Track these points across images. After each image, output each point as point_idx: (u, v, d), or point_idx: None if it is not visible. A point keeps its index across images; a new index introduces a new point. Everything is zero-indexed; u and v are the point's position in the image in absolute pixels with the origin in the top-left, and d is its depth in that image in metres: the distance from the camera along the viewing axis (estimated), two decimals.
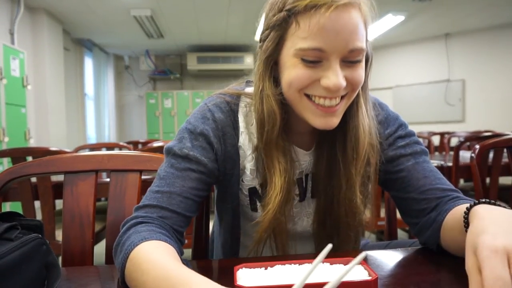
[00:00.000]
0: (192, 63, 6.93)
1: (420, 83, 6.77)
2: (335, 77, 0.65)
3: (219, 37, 6.25)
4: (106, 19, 5.34)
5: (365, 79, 0.73)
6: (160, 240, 0.60)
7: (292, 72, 0.68)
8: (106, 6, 4.81)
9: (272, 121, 0.73)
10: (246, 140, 0.78)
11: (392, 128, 0.82)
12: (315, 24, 0.63)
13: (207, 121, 0.76)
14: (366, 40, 0.71)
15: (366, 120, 0.75)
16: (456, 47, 6.44)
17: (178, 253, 0.61)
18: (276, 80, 0.73)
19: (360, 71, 0.69)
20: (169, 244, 0.61)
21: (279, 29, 0.68)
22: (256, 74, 0.75)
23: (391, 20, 5.57)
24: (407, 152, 0.80)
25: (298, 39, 0.65)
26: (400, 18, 5.48)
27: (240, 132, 0.78)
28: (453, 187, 0.78)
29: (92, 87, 6.75)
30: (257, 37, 0.77)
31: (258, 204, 0.80)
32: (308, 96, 0.69)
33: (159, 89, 7.92)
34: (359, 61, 0.68)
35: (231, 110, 0.78)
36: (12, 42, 4.25)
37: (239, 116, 0.79)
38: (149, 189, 0.72)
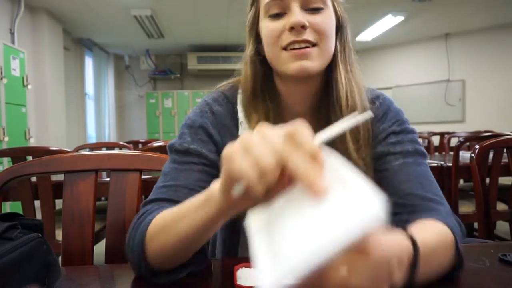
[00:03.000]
0: (193, 63, 6.93)
1: (420, 83, 6.77)
2: (294, 17, 0.71)
3: (219, 36, 6.24)
4: (106, 18, 5.34)
5: (343, 40, 0.77)
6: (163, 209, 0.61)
7: (265, 31, 0.75)
8: (106, 6, 4.81)
9: (245, 83, 0.79)
10: (246, 130, 0.78)
11: (388, 123, 0.78)
12: None
13: (205, 114, 0.78)
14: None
15: (347, 82, 0.75)
16: (456, 47, 6.44)
17: None
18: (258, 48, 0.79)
19: (323, 18, 0.73)
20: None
21: (254, 2, 0.78)
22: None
23: (391, 21, 5.57)
24: (396, 150, 0.74)
25: (263, 2, 0.74)
26: (400, 18, 5.48)
27: (240, 122, 0.79)
28: (435, 196, 0.68)
29: (92, 86, 6.75)
30: None
31: None
32: (285, 50, 0.73)
33: (159, 89, 7.92)
34: (320, 9, 0.73)
35: (229, 102, 0.81)
36: (12, 42, 4.25)
37: (238, 106, 0.80)
38: (154, 186, 0.72)
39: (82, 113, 6.33)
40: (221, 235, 0.88)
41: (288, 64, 0.72)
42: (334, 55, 0.76)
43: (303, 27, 0.71)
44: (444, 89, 6.55)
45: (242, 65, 0.81)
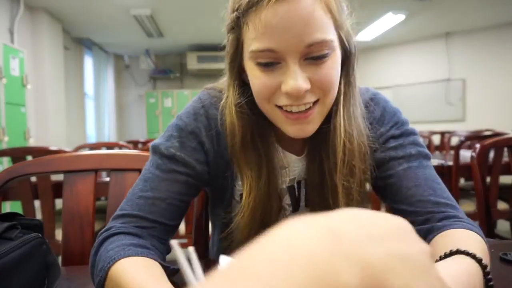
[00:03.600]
0: (192, 62, 6.92)
1: (420, 82, 6.77)
2: (292, 80, 0.57)
3: (219, 36, 6.20)
4: (106, 18, 5.34)
5: (349, 75, 0.66)
6: (129, 256, 0.55)
7: (253, 80, 0.62)
8: (106, 5, 4.81)
9: (232, 134, 0.67)
10: None
11: (386, 127, 0.71)
12: (260, 21, 0.55)
13: (199, 117, 0.70)
14: (338, 27, 0.60)
15: (346, 123, 0.65)
16: (457, 46, 6.44)
17: (156, 260, 0.56)
18: (248, 87, 0.66)
19: (329, 69, 0.59)
20: (142, 255, 0.56)
21: (234, 31, 0.62)
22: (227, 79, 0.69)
23: (392, 19, 5.57)
24: (398, 154, 0.68)
25: (250, 41, 0.59)
26: (401, 17, 5.47)
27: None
28: (448, 201, 0.64)
29: (92, 86, 6.74)
30: None
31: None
32: (279, 106, 0.61)
33: (159, 88, 7.91)
34: (325, 56, 0.58)
35: None
36: (12, 41, 4.25)
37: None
38: (131, 190, 0.66)
39: (82, 112, 6.32)
40: (215, 246, 0.86)
41: (285, 125, 0.63)
42: (337, 97, 0.65)
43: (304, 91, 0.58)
44: (445, 88, 6.55)
45: (225, 110, 0.68)
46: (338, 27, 0.60)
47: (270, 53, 0.57)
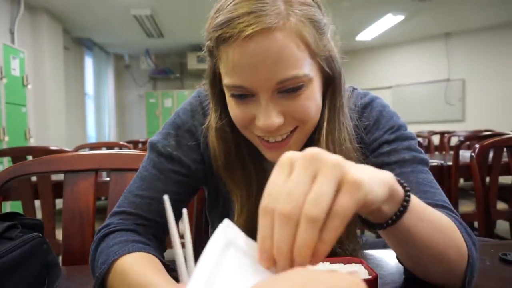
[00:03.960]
0: (193, 63, 6.93)
1: (420, 82, 6.77)
2: (264, 117, 0.56)
3: None
4: (106, 18, 5.34)
5: (335, 99, 0.63)
6: (134, 252, 0.56)
7: (230, 110, 0.62)
8: (106, 6, 4.81)
9: (214, 157, 0.67)
10: None
11: (380, 132, 0.68)
12: (229, 58, 0.54)
13: (197, 115, 0.71)
14: (316, 56, 0.58)
15: (331, 149, 0.62)
16: (456, 47, 6.44)
17: (156, 256, 0.57)
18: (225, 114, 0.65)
19: (304, 100, 0.57)
20: (144, 251, 0.57)
21: (212, 58, 0.61)
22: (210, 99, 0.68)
23: (391, 20, 5.57)
24: (391, 160, 0.65)
25: (223, 74, 0.58)
26: (400, 17, 5.48)
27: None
28: (439, 202, 0.60)
29: (92, 86, 6.75)
30: None
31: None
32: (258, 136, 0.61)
33: (159, 88, 7.92)
34: (299, 88, 0.56)
35: None
36: (12, 42, 4.25)
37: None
38: (128, 187, 0.67)
39: (82, 112, 6.33)
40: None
41: (264, 151, 0.62)
42: (320, 123, 0.63)
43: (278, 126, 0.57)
44: (444, 88, 6.55)
45: (208, 132, 0.67)
46: (315, 55, 0.58)
47: (241, 89, 0.56)
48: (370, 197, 0.36)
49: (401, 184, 0.44)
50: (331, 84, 0.63)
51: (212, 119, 0.66)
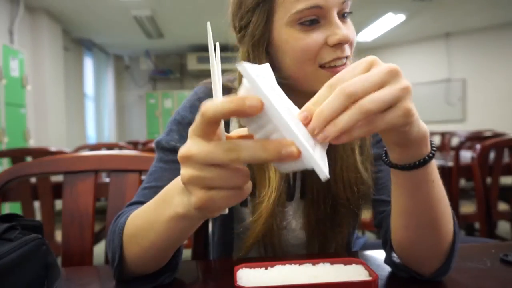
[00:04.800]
0: (192, 63, 6.93)
1: (420, 82, 6.78)
2: (340, 30, 0.61)
3: (219, 37, 6.22)
4: (106, 19, 5.34)
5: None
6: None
7: (294, 44, 0.63)
8: (106, 6, 4.81)
9: None
10: (236, 128, 0.72)
11: None
12: None
13: (195, 109, 0.72)
14: None
15: None
16: (457, 47, 6.45)
17: None
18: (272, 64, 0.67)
19: (352, 27, 0.66)
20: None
21: (265, 4, 0.64)
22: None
23: (392, 20, 5.58)
24: None
25: (290, 4, 0.61)
26: (401, 17, 5.48)
27: (230, 120, 0.75)
28: None
29: (92, 87, 6.75)
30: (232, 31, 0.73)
31: (249, 198, 0.74)
32: (322, 67, 0.64)
33: (159, 89, 7.92)
34: (348, 14, 0.65)
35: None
36: (12, 42, 4.25)
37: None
38: (140, 186, 0.70)
39: (82, 113, 6.33)
40: (214, 239, 0.86)
41: (324, 83, 0.66)
42: None
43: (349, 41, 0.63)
44: (445, 88, 6.56)
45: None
46: None
47: (315, 10, 0.61)
48: (414, 129, 0.42)
49: (430, 141, 0.48)
50: None
51: None
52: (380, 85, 0.38)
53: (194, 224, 0.47)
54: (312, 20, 0.61)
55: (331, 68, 0.63)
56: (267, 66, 0.40)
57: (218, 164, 0.35)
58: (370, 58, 0.40)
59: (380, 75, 0.38)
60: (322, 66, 0.64)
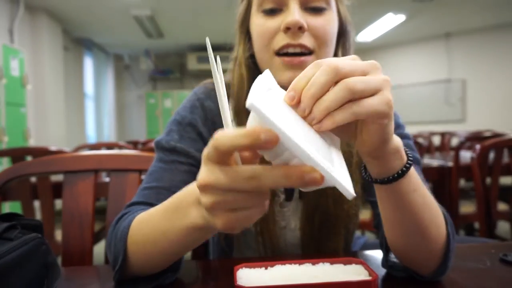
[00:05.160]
0: (192, 63, 6.93)
1: (420, 83, 6.78)
2: (291, 15, 0.64)
3: (219, 36, 6.23)
4: (106, 18, 5.34)
5: (346, 48, 0.72)
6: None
7: (257, 29, 0.69)
8: (106, 6, 4.81)
9: (240, 85, 0.72)
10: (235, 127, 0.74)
11: None
12: None
13: (195, 110, 0.74)
14: (337, 0, 0.69)
15: None
16: (457, 47, 6.45)
17: None
18: (251, 48, 0.74)
19: (325, 21, 0.66)
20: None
21: None
22: (234, 47, 0.76)
23: (392, 20, 5.58)
24: None
25: None
26: (401, 17, 5.48)
27: (232, 120, 0.75)
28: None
29: (91, 86, 6.75)
30: None
31: None
32: (277, 54, 0.67)
33: (159, 89, 7.92)
34: (322, 9, 0.66)
35: None
36: (12, 42, 4.25)
37: (229, 103, 0.75)
38: (139, 186, 0.69)
39: (82, 113, 6.32)
40: (216, 235, 0.85)
41: (279, 72, 0.67)
42: None
43: (301, 28, 0.64)
44: (445, 88, 6.56)
45: (233, 66, 0.75)
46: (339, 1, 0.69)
47: (274, 1, 0.66)
48: (390, 128, 0.41)
49: (406, 152, 0.48)
50: (342, 36, 0.72)
51: (241, 52, 0.74)
52: (364, 73, 0.39)
53: (210, 233, 0.47)
54: (273, 9, 0.66)
55: (284, 55, 0.66)
56: (267, 72, 0.41)
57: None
58: (352, 55, 0.42)
59: (364, 64, 0.40)
60: (278, 54, 0.67)
